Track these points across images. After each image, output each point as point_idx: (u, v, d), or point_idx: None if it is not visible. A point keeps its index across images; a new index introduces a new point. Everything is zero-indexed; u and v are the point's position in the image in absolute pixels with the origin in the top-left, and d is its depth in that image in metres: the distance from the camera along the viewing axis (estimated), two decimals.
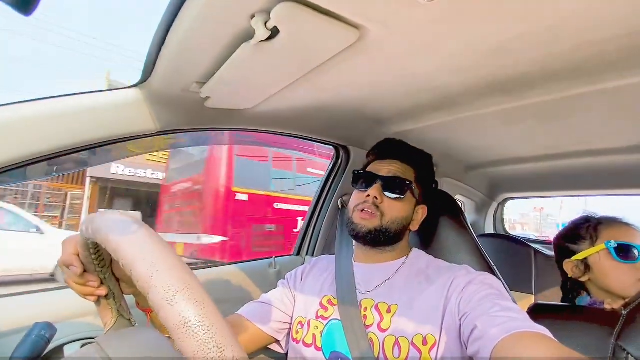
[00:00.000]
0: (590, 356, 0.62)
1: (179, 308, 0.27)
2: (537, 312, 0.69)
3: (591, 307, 0.80)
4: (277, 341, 0.82)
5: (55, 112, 0.63)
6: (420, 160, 0.86)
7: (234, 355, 0.26)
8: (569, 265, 0.90)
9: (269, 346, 0.83)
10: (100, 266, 0.50)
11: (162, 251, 0.32)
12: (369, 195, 0.78)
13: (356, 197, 0.82)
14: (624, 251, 0.82)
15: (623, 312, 0.65)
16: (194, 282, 0.30)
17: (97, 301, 0.52)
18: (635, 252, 0.81)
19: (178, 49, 0.56)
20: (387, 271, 0.78)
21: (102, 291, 0.50)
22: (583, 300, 0.90)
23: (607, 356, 0.62)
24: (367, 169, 0.85)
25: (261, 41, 0.50)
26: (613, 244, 0.83)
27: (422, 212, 0.84)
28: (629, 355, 0.60)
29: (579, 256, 0.88)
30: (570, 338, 0.67)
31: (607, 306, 0.75)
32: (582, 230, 0.91)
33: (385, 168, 0.82)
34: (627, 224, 0.87)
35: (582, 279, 0.88)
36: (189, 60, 0.60)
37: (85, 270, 0.49)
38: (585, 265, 0.88)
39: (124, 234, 0.34)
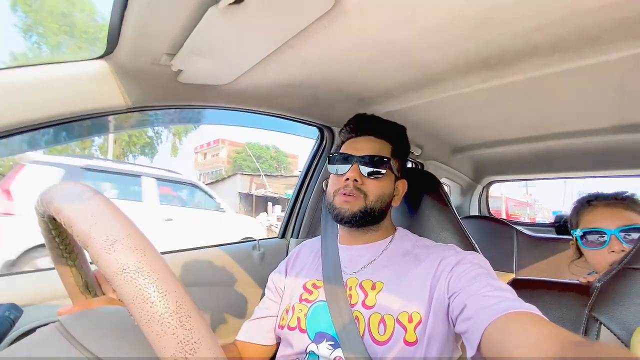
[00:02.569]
0: (565, 327, 0.63)
1: (117, 255, 0.26)
2: (516, 286, 0.70)
3: (567, 281, 0.82)
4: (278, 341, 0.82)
5: (11, 84, 0.59)
6: (395, 134, 0.83)
7: (177, 300, 0.25)
8: (572, 247, 0.95)
9: None
10: (67, 251, 0.47)
11: (103, 204, 0.30)
12: (347, 179, 0.75)
13: (335, 181, 0.79)
14: (588, 238, 0.84)
15: (597, 284, 0.66)
16: (134, 231, 0.29)
17: (71, 289, 0.49)
18: (602, 238, 0.82)
19: (141, 15, 0.52)
20: (373, 252, 0.77)
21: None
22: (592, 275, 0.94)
23: (581, 326, 0.64)
24: (342, 150, 0.82)
25: (229, 4, 0.47)
26: (579, 233, 0.86)
27: (402, 187, 0.83)
28: (602, 325, 0.61)
29: (572, 241, 0.92)
30: (546, 310, 0.68)
31: (583, 280, 0.77)
32: (573, 214, 0.94)
33: (361, 146, 0.79)
34: (615, 204, 0.87)
35: (582, 260, 0.92)
36: (155, 28, 0.56)
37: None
38: (578, 248, 0.91)
39: (66, 195, 0.33)
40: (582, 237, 0.85)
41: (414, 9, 0.56)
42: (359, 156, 0.77)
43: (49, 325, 0.40)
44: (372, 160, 0.76)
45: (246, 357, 0.78)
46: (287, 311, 0.77)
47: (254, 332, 0.80)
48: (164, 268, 0.27)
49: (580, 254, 0.92)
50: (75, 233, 0.29)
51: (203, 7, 0.50)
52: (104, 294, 0.52)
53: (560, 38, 0.66)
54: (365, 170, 0.76)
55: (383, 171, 0.76)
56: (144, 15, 0.52)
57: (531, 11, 0.57)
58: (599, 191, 0.94)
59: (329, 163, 0.82)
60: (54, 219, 0.43)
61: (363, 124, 0.82)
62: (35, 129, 0.66)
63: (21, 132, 0.63)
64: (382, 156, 0.77)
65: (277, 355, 0.76)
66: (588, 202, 0.91)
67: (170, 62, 0.66)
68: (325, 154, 1.25)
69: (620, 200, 0.87)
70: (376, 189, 0.76)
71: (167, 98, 0.78)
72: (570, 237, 1.00)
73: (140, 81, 0.71)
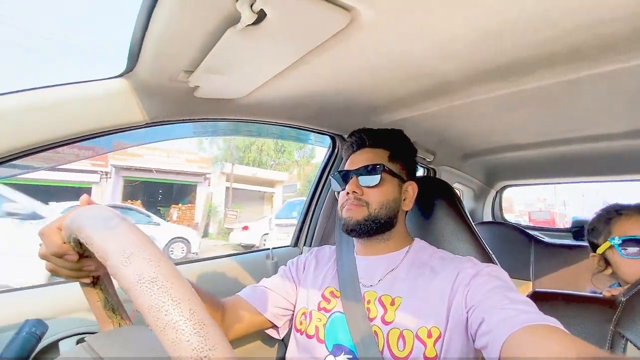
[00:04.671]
0: (589, 343, 0.61)
1: (133, 267, 0.27)
2: (536, 300, 0.68)
3: (590, 294, 0.80)
4: (275, 326, 0.82)
5: (37, 104, 0.61)
6: (390, 139, 0.85)
7: (191, 308, 0.26)
8: (594, 259, 0.90)
9: (265, 330, 0.83)
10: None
11: (119, 221, 0.33)
12: (348, 193, 0.77)
13: (340, 198, 0.82)
14: (630, 247, 0.80)
15: (622, 298, 0.64)
16: (149, 244, 0.30)
17: (98, 312, 0.49)
18: None
19: (162, 35, 0.54)
20: (390, 263, 0.77)
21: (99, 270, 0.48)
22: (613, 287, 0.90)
23: (606, 343, 0.62)
24: (344, 169, 0.85)
25: (248, 25, 0.48)
26: (617, 241, 0.82)
27: (412, 189, 0.83)
28: (628, 342, 0.59)
29: (598, 251, 0.88)
30: (568, 325, 0.67)
31: (606, 293, 0.74)
32: (599, 224, 0.90)
33: (357, 160, 0.82)
34: None
35: (607, 273, 0.88)
36: (175, 48, 0.57)
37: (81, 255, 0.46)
38: (605, 259, 0.87)
39: (85, 215, 0.35)
40: (620, 245, 0.82)
41: (428, 22, 0.56)
42: (355, 169, 0.79)
43: (77, 347, 0.41)
44: (367, 170, 0.79)
45: (234, 314, 0.77)
46: (305, 315, 0.78)
47: (258, 297, 0.81)
48: (178, 278, 0.28)
49: (605, 265, 0.88)
50: (95, 249, 0.31)
51: (222, 29, 0.51)
52: (129, 317, 0.53)
53: (574, 48, 0.65)
54: (363, 181, 0.78)
55: (378, 178, 0.77)
56: (164, 35, 0.54)
57: (545, 23, 0.57)
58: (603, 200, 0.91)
59: (332, 185, 0.86)
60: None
61: (357, 139, 0.85)
62: (57, 147, 0.68)
63: (44, 150, 0.65)
64: (375, 164, 0.79)
65: None
66: (617, 211, 0.88)
67: (187, 79, 0.67)
68: (337, 162, 1.25)
69: None
70: (377, 196, 0.77)
71: (183, 112, 0.80)
72: (585, 244, 0.96)
73: (158, 97, 0.73)
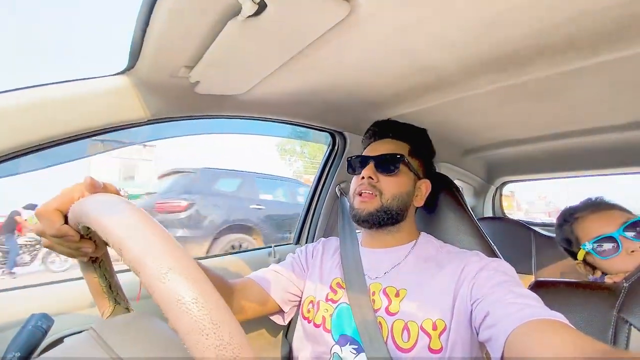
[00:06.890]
0: (592, 329, 0.61)
1: (172, 285, 0.26)
2: (538, 289, 0.69)
3: (592, 281, 0.80)
4: (281, 311, 0.83)
5: (39, 101, 0.61)
6: (412, 135, 0.86)
7: (230, 331, 0.25)
8: (580, 267, 0.89)
9: (270, 317, 0.84)
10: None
11: (152, 229, 0.30)
12: (363, 177, 0.78)
13: (354, 182, 0.83)
14: (602, 246, 0.79)
15: (624, 284, 0.65)
16: (187, 259, 0.28)
17: (94, 289, 0.50)
18: (614, 243, 0.77)
19: (163, 31, 0.54)
20: (396, 256, 0.77)
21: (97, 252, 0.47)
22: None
23: (610, 329, 0.62)
24: (362, 154, 0.86)
25: (249, 16, 0.48)
26: (589, 246, 0.80)
27: (425, 187, 0.84)
28: (632, 327, 0.60)
29: (579, 258, 0.87)
30: (572, 313, 0.67)
31: (608, 280, 0.75)
32: (566, 233, 0.89)
33: (378, 148, 0.82)
34: (599, 209, 0.83)
35: (597, 275, 0.86)
36: (176, 43, 0.58)
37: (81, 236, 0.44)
38: (589, 264, 0.86)
39: (111, 213, 0.32)
40: (595, 249, 0.80)
41: (426, 13, 0.56)
42: (374, 156, 0.80)
43: (83, 333, 0.41)
44: (386, 158, 0.79)
45: (243, 294, 0.77)
46: (312, 304, 0.78)
47: (269, 280, 0.81)
48: (217, 297, 0.27)
49: (593, 269, 0.86)
50: (126, 258, 0.29)
51: (223, 21, 0.51)
52: (126, 297, 0.53)
53: (573, 37, 0.65)
54: (380, 168, 0.79)
55: (397, 169, 0.78)
56: (165, 31, 0.54)
57: (544, 12, 0.57)
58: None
59: (348, 167, 0.86)
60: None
61: (380, 128, 0.86)
62: (60, 144, 0.68)
63: (47, 148, 0.66)
64: (395, 154, 0.79)
65: (302, 350, 0.77)
66: (572, 216, 0.87)
67: (188, 74, 0.68)
68: (337, 159, 1.26)
69: (597, 204, 0.84)
70: (391, 186, 0.77)
71: (184, 109, 0.80)
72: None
73: (159, 94, 0.73)
